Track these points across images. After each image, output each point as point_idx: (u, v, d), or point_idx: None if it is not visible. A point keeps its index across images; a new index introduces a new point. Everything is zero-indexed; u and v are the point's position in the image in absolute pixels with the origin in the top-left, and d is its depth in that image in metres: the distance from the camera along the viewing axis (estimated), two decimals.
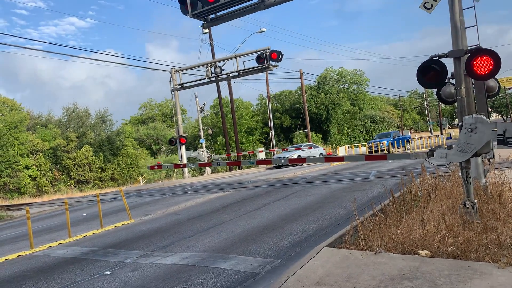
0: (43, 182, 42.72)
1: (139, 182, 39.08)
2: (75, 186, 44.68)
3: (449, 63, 6.98)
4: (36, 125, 48.82)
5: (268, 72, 33.74)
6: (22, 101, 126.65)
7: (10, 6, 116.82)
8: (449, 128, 70.27)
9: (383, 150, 33.90)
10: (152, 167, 18.74)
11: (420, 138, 45.64)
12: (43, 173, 43.30)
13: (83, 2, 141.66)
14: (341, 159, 11.76)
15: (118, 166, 46.95)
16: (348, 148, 39.71)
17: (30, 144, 43.44)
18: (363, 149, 37.17)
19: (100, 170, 46.00)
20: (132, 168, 47.76)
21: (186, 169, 21.75)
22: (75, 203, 21.77)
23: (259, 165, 29.47)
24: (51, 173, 44.00)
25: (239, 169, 30.97)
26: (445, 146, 6.53)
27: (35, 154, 43.89)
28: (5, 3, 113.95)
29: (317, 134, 53.99)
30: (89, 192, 37.94)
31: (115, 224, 11.53)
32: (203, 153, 24.84)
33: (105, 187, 42.97)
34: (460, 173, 6.69)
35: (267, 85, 41.66)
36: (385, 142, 34.94)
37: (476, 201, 6.37)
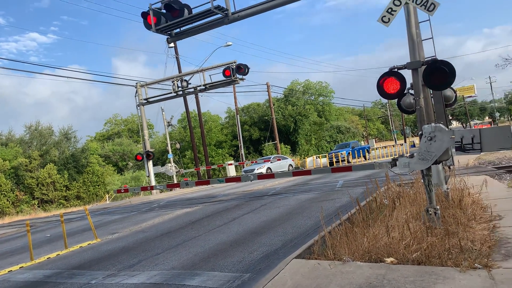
0: (4, 203, 40.99)
1: (106, 200, 38.15)
2: (38, 206, 43.09)
3: (407, 74, 7.22)
4: None
5: (236, 85, 33.91)
6: None
7: None
8: (412, 136, 72.26)
9: (343, 160, 34.48)
10: (119, 191, 18.38)
11: (385, 147, 46.73)
12: (4, 194, 41.55)
13: (44, 17, 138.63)
14: (308, 172, 11.89)
15: (84, 184, 45.69)
16: (316, 158, 40.18)
17: None
18: (324, 160, 37.70)
19: (65, 188, 44.61)
20: (98, 185, 46.56)
21: (154, 183, 21.40)
22: (38, 223, 21.00)
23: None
24: (13, 193, 42.28)
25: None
26: (407, 155, 6.71)
27: None
28: None
29: (286, 145, 54.38)
30: (53, 212, 36.68)
31: (80, 244, 11.18)
32: (171, 168, 24.55)
33: (71, 206, 41.66)
34: (422, 181, 6.88)
35: (235, 98, 41.82)
36: (345, 152, 35.57)
37: (438, 207, 6.55)
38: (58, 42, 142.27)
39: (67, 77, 65.79)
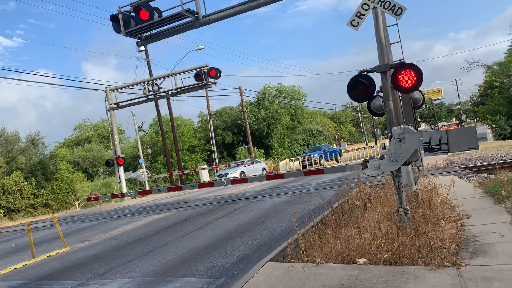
0: None
1: (76, 207, 37.25)
2: (4, 215, 41.62)
3: (377, 77, 7.35)
4: None
5: (208, 89, 33.72)
6: None
7: None
8: (383, 138, 73.76)
9: (316, 163, 34.82)
10: (89, 199, 17.98)
11: (357, 149, 47.44)
12: None
13: (10, 20, 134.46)
14: (281, 176, 11.95)
15: (53, 192, 44.44)
16: (289, 161, 40.40)
17: None
18: (297, 163, 37.95)
19: (32, 196, 43.27)
20: (68, 193, 45.38)
21: (125, 190, 21.03)
22: (4, 233, 20.27)
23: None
24: None
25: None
26: (377, 157, 6.82)
27: None
28: None
29: (259, 149, 54.51)
30: (20, 220, 35.52)
31: (49, 253, 10.84)
32: (143, 174, 24.19)
33: (39, 214, 40.44)
34: (392, 182, 7.00)
35: (208, 102, 41.65)
36: (317, 155, 35.93)
37: (408, 207, 6.67)
38: (25, 46, 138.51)
39: (34, 81, 64.30)
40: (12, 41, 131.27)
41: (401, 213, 6.59)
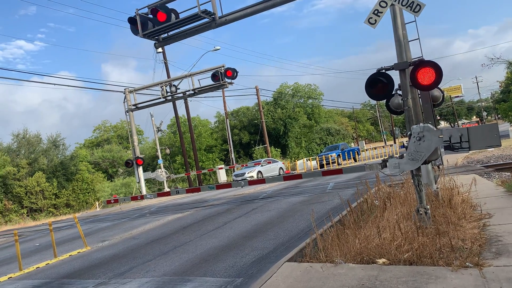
0: None
1: (96, 207, 37.82)
2: (27, 215, 42.54)
3: (395, 75, 7.26)
4: None
5: (225, 89, 33.83)
6: None
7: None
8: (402, 137, 72.83)
9: (334, 162, 34.55)
10: (108, 202, 18.32)
11: (375, 148, 46.98)
12: None
13: (31, 25, 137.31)
14: (299, 176, 11.90)
15: (73, 192, 45.21)
16: (306, 161, 40.24)
17: None
18: (314, 163, 37.72)
19: (54, 197, 44.10)
20: (88, 193, 46.10)
21: (144, 191, 21.24)
22: (27, 233, 20.71)
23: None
24: (1, 203, 41.70)
25: (199, 185, 30.45)
26: (397, 156, 6.73)
27: None
28: None
29: (276, 148, 54.43)
30: (42, 220, 36.26)
31: (70, 252, 11.04)
32: (161, 174, 24.39)
33: (60, 214, 41.20)
34: (412, 181, 6.90)
35: (224, 102, 41.78)
36: (334, 154, 35.65)
37: (428, 207, 6.57)
38: (46, 50, 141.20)
39: (55, 84, 65.42)
40: (34, 45, 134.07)
41: (421, 212, 6.50)
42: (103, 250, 10.76)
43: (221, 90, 34.06)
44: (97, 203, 39.12)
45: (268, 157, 42.62)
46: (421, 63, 6.57)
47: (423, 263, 5.14)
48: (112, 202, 18.30)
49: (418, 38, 7.70)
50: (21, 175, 43.53)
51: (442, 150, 7.72)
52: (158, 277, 7.11)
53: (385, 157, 7.17)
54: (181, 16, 11.69)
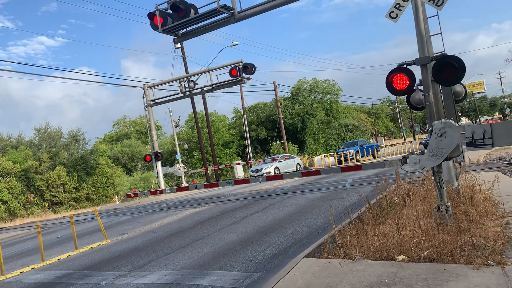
0: (15, 205, 41.36)
1: (115, 201, 38.36)
2: (49, 208, 43.45)
3: (417, 70, 7.15)
4: (6, 147, 47.39)
5: (242, 85, 33.85)
6: None
7: None
8: (422, 133, 71.82)
9: (352, 158, 34.23)
10: (128, 196, 18.60)
11: (394, 145, 46.43)
12: (15, 196, 41.93)
13: (52, 21, 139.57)
14: (317, 172, 11.84)
15: (93, 186, 45.96)
16: (324, 157, 40.03)
17: (0, 167, 42.11)
18: (332, 159, 37.44)
19: (74, 190, 44.92)
20: (108, 187, 46.80)
21: (162, 185, 21.45)
22: (49, 225, 21.16)
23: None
24: (23, 195, 42.66)
25: (216, 181, 30.59)
26: (417, 152, 6.64)
27: (6, 177, 42.51)
28: None
29: (293, 144, 54.27)
30: (63, 213, 36.98)
31: (91, 245, 11.24)
32: (179, 169, 24.56)
33: (80, 208, 41.95)
34: (433, 178, 6.80)
35: (242, 98, 41.81)
36: (353, 150, 35.30)
37: (449, 204, 6.48)
38: (66, 45, 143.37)
39: (76, 79, 66.41)
40: (55, 41, 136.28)
41: (441, 209, 6.41)
42: (123, 243, 10.92)
43: (238, 85, 34.09)
44: (116, 197, 39.68)
45: (285, 153, 42.54)
46: (443, 58, 6.45)
47: (444, 260, 5.07)
48: (132, 196, 18.57)
49: (441, 33, 7.58)
50: (43, 168, 44.44)
51: (464, 146, 7.59)
52: (176, 270, 7.18)
53: (405, 154, 7.08)
54: (200, 11, 11.72)
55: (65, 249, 11.36)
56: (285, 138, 44.95)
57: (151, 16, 12.07)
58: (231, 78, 21.09)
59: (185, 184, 27.25)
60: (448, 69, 6.36)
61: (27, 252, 12.41)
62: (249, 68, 20.51)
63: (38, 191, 43.81)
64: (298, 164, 32.16)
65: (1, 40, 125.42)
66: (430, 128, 6.47)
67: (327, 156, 39.17)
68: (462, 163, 9.19)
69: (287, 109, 56.56)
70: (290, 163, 31.37)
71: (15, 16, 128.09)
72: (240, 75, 20.52)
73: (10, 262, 10.76)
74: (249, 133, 43.65)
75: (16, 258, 11.64)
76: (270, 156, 42.47)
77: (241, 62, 20.49)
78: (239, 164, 35.79)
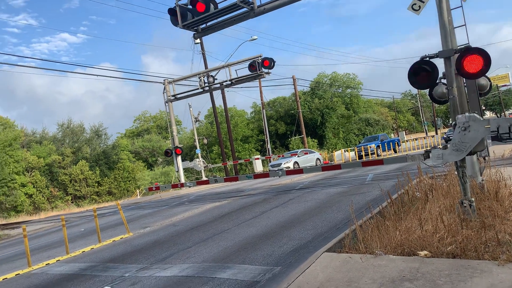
0: (40, 199, 42.43)
1: (137, 195, 38.90)
2: (72, 202, 44.42)
3: (440, 63, 7.02)
4: (30, 142, 48.58)
5: (261, 79, 33.81)
6: (19, 118, 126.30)
7: (2, 24, 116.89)
8: (444, 127, 70.51)
9: (373, 153, 33.84)
10: (150, 189, 18.93)
11: (416, 139, 45.75)
12: (40, 190, 43.01)
13: (74, 18, 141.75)
14: (338, 167, 11.76)
15: (115, 180, 46.76)
16: (344, 151, 39.73)
17: (25, 161, 43.18)
18: (352, 154, 37.08)
19: (96, 184, 45.79)
20: (129, 181, 47.55)
21: (183, 179, 21.66)
22: (72, 219, 21.63)
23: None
24: (48, 189, 43.71)
25: (235, 175, 30.75)
26: (440, 146, 6.54)
27: (31, 171, 43.63)
28: None
29: (313, 139, 54.02)
30: (86, 207, 37.73)
31: (113, 238, 11.45)
32: (199, 163, 24.75)
33: (102, 202, 42.74)
34: (456, 172, 6.69)
35: (261, 92, 41.77)
36: (373, 145, 34.89)
37: (473, 199, 6.37)
38: (88, 42, 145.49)
39: (98, 75, 67.43)
40: (77, 37, 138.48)
41: (465, 205, 6.31)
42: (145, 236, 11.09)
43: (257, 80, 34.07)
44: (137, 191, 40.24)
45: (305, 147, 42.39)
46: (467, 50, 6.32)
47: (467, 256, 5.00)
48: (154, 189, 18.85)
49: (465, 25, 7.42)
50: (66, 163, 45.38)
51: (489, 141, 7.44)
52: (198, 263, 7.27)
53: (428, 148, 6.97)
54: (220, 6, 11.75)
55: (89, 242, 11.60)
56: (304, 133, 44.78)
57: (171, 12, 12.16)
58: (250, 73, 21.09)
59: (205, 179, 27.46)
60: (473, 61, 6.23)
61: (52, 245, 12.73)
62: (268, 63, 20.46)
63: (61, 185, 44.81)
64: (318, 159, 32.00)
65: (25, 37, 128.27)
66: (454, 122, 6.36)
67: (347, 150, 38.85)
68: (486, 158, 9.01)
69: (306, 104, 56.29)
70: (310, 158, 31.24)
71: (39, 13, 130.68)
72: (259, 70, 20.49)
73: (36, 254, 11.06)
74: (268, 128, 43.64)
75: (42, 250, 11.95)
76: (289, 151, 42.38)
77: (260, 56, 20.45)
78: (258, 159, 35.85)
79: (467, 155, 6.23)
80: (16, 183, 41.03)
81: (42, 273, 8.59)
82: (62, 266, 8.93)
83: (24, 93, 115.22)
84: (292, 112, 53.53)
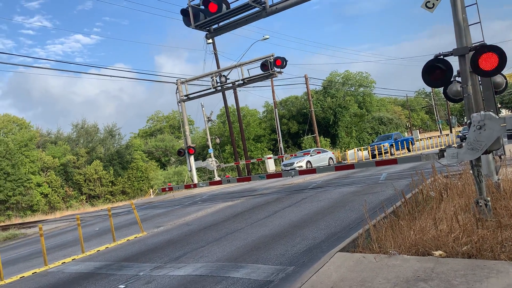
0: (55, 198, 43.01)
1: (150, 195, 39.19)
2: (86, 201, 44.93)
3: (454, 61, 6.94)
4: (45, 142, 49.26)
5: (273, 78, 33.78)
6: (34, 119, 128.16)
7: (18, 26, 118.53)
8: (458, 126, 69.60)
9: (386, 152, 33.54)
10: (163, 189, 19.11)
11: (430, 138, 45.29)
12: (55, 189, 43.60)
13: (88, 19, 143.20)
14: (351, 166, 11.70)
15: (129, 180, 47.17)
16: (357, 151, 39.48)
17: (40, 161, 43.81)
18: (365, 153, 36.79)
19: (110, 184, 46.24)
20: (142, 180, 47.93)
21: (195, 179, 21.77)
22: (87, 218, 21.89)
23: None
24: (63, 189, 44.29)
25: (248, 175, 30.79)
26: (455, 145, 6.47)
27: (46, 171, 44.24)
28: (13, 24, 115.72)
29: (325, 138, 53.79)
30: (100, 206, 38.14)
31: (128, 237, 11.56)
32: (211, 163, 24.82)
33: (116, 201, 43.15)
34: (471, 171, 6.62)
35: (273, 91, 41.74)
36: (387, 144, 34.56)
37: (489, 198, 6.29)
38: (101, 43, 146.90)
39: (111, 75, 68.10)
40: (90, 39, 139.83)
41: (481, 204, 6.23)
42: (158, 235, 11.18)
43: (269, 79, 34.04)
44: (151, 190, 40.53)
45: (317, 147, 42.24)
46: (482, 48, 6.24)
47: (483, 256, 4.94)
48: (167, 189, 19.00)
49: (480, 22, 7.32)
50: (80, 163, 45.91)
51: (505, 139, 7.34)
52: (211, 262, 7.30)
53: (442, 147, 6.91)
54: (232, 6, 11.76)
55: (104, 241, 11.73)
56: (316, 132, 44.63)
57: (184, 12, 12.21)
58: (262, 72, 21.08)
59: (217, 178, 27.56)
60: (488, 59, 6.15)
61: (68, 244, 12.90)
62: (280, 62, 20.43)
63: (76, 185, 45.36)
64: (331, 158, 31.86)
65: (40, 39, 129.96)
66: (469, 121, 6.29)
67: (360, 150, 38.62)
68: (502, 157, 8.88)
69: (318, 103, 56.06)
70: (322, 157, 31.12)
71: (53, 15, 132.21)
72: (271, 69, 20.47)
73: (53, 253, 11.22)
74: (280, 127, 43.59)
75: (57, 249, 12.13)
76: (302, 150, 42.27)
77: (273, 56, 20.43)
78: (270, 158, 35.82)
79: (482, 154, 6.16)
80: (32, 182, 41.66)
81: (58, 272, 8.72)
82: (78, 265, 9.05)
83: (39, 94, 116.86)
84: (305, 111, 53.37)
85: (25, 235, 19.17)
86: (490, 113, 6.03)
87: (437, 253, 5.28)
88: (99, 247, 10.69)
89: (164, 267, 7.57)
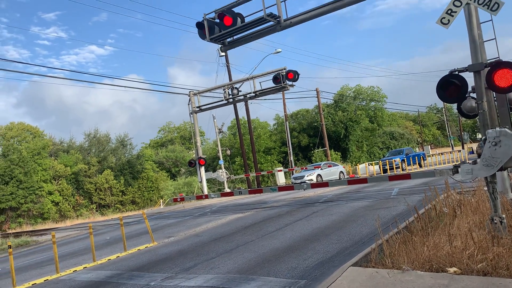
0: (66, 207, 43.28)
1: (160, 205, 39.26)
2: (96, 210, 45.13)
3: (469, 77, 6.95)
4: (58, 151, 49.76)
5: (285, 91, 33.91)
6: (48, 127, 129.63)
7: (34, 37, 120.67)
8: (470, 142, 68.94)
9: (398, 167, 33.28)
10: (175, 200, 19.23)
11: (442, 154, 44.89)
12: (66, 198, 43.90)
13: (102, 31, 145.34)
14: (364, 181, 11.66)
15: (139, 189, 47.33)
16: (368, 165, 39.27)
17: (52, 170, 44.22)
18: (376, 167, 36.53)
19: (121, 193, 46.43)
20: (153, 191, 48.05)
21: (206, 190, 21.81)
22: (98, 227, 22.00)
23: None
24: (73, 198, 44.59)
25: (258, 187, 30.75)
26: (469, 161, 6.44)
27: (58, 179, 44.61)
28: (30, 34, 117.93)
29: (336, 152, 53.58)
30: (110, 216, 38.29)
31: (138, 247, 11.60)
32: (222, 174, 24.88)
33: (126, 211, 43.27)
34: (485, 188, 6.57)
35: (284, 104, 41.85)
36: (398, 159, 34.31)
37: (504, 216, 6.23)
38: (115, 54, 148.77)
39: (124, 86, 68.86)
40: (104, 50, 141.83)
41: (496, 221, 6.17)
42: (169, 246, 11.20)
43: (281, 92, 34.16)
44: (161, 200, 40.62)
45: (328, 160, 42.11)
46: (498, 64, 6.24)
47: (499, 274, 4.89)
48: (179, 200, 19.07)
49: (495, 38, 7.33)
50: (92, 172, 46.25)
51: None
52: (222, 274, 7.30)
53: (455, 163, 6.88)
54: (247, 20, 11.90)
55: (114, 250, 11.78)
56: (327, 145, 44.53)
57: (199, 25, 12.37)
58: (274, 85, 21.19)
59: (227, 190, 27.57)
60: (503, 76, 6.14)
61: (79, 252, 12.97)
62: (292, 75, 20.52)
63: (87, 193, 45.64)
64: (341, 172, 31.73)
65: (55, 49, 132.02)
66: (484, 137, 6.26)
67: (371, 164, 38.43)
68: None
69: (329, 116, 56.01)
70: (333, 170, 31.00)
71: (69, 26, 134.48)
72: (283, 82, 20.57)
73: (64, 261, 11.29)
74: (290, 140, 43.58)
75: (69, 257, 12.20)
76: (312, 163, 42.15)
77: (285, 69, 20.54)
78: (280, 171, 35.77)
79: (497, 171, 6.12)
80: (43, 190, 42.02)
81: (69, 280, 8.77)
82: (89, 273, 9.10)
83: (53, 103, 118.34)
84: (315, 124, 53.32)
85: (36, 242, 19.31)
86: (506, 129, 6.00)
87: (452, 270, 5.23)
88: (110, 256, 10.74)
89: (175, 277, 7.58)
